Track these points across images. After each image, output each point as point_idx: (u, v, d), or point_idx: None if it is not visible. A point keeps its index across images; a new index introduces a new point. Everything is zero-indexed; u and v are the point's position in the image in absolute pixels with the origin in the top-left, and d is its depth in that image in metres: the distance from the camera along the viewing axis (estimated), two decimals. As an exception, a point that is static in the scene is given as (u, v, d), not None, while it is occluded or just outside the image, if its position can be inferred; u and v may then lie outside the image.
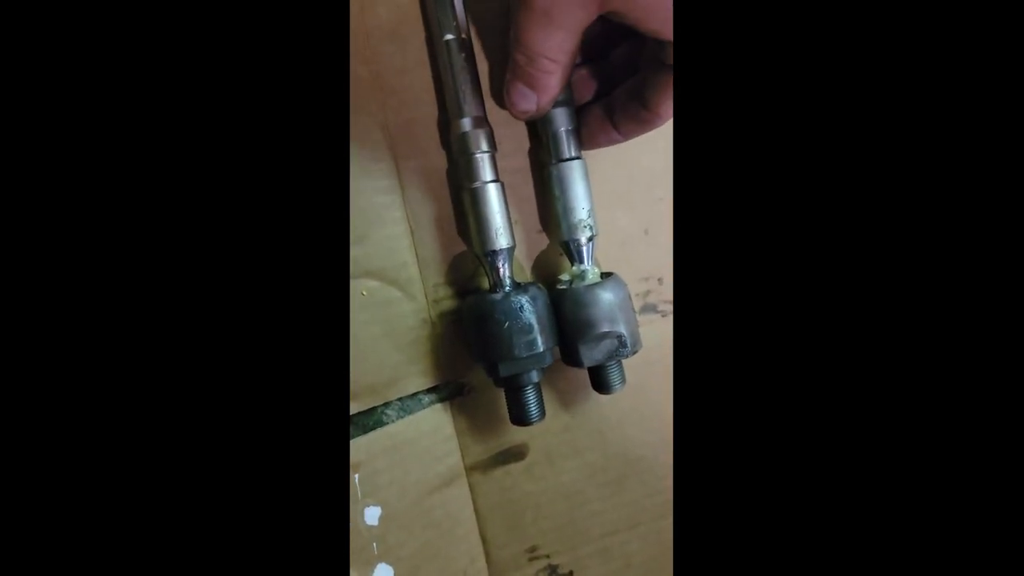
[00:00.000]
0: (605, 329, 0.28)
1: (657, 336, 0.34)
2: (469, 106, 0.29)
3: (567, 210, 0.30)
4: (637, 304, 0.34)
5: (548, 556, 0.34)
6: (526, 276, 0.33)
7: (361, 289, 0.30)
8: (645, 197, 0.33)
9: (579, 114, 0.30)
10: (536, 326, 0.28)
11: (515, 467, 0.34)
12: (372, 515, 0.31)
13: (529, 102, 0.27)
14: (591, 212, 0.30)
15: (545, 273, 0.33)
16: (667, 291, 0.34)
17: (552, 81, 0.27)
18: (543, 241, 0.33)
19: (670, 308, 0.34)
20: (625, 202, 0.33)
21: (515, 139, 0.32)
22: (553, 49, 0.25)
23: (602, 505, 0.34)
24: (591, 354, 0.29)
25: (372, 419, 0.31)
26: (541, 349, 0.28)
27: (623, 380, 0.30)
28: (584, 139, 0.30)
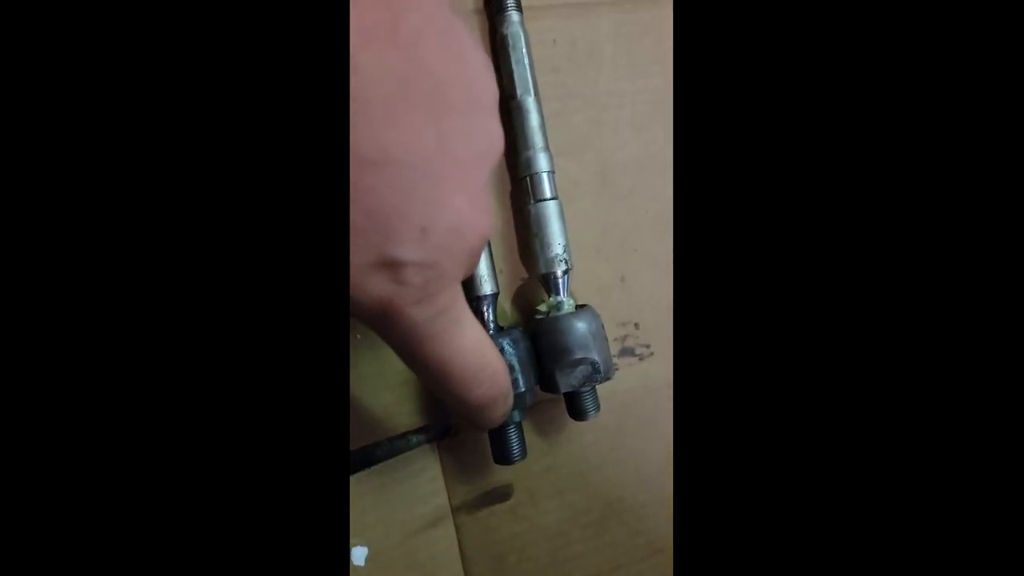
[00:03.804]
0: (579, 356, 0.30)
1: (634, 379, 0.36)
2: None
3: (544, 246, 0.32)
4: (615, 348, 0.36)
5: (532, 600, 0.34)
6: (509, 320, 0.35)
7: (355, 332, 0.32)
8: (620, 248, 0.36)
9: None
10: (517, 367, 0.30)
11: (500, 508, 0.35)
12: (359, 555, 0.32)
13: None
14: (566, 247, 0.32)
15: (524, 305, 0.35)
16: (644, 335, 0.36)
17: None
18: (525, 288, 0.35)
19: (647, 352, 0.36)
20: (602, 254, 0.36)
21: (499, 198, 0.34)
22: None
23: (584, 547, 0.35)
24: (567, 380, 0.31)
25: (361, 457, 0.32)
26: (522, 389, 0.30)
27: (597, 407, 0.32)
28: None
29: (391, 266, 0.19)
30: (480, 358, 0.23)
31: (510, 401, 0.27)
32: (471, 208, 0.20)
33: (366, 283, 0.19)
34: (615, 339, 0.36)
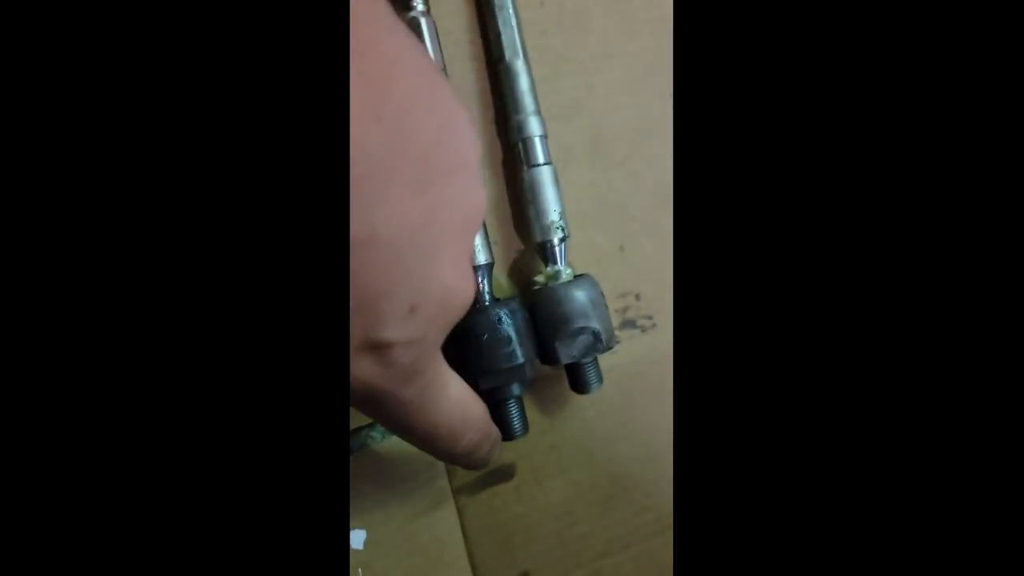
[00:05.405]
0: (579, 325, 0.29)
1: (638, 352, 0.35)
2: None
3: (539, 213, 0.31)
4: (616, 320, 0.35)
5: (539, 581, 0.33)
6: (505, 293, 0.33)
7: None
8: (619, 217, 0.35)
9: None
10: (515, 338, 0.29)
11: (503, 488, 0.33)
12: (357, 539, 0.30)
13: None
14: (562, 214, 0.31)
15: (521, 277, 0.34)
16: (645, 306, 0.35)
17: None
18: (520, 260, 0.34)
19: (649, 323, 0.35)
20: (599, 223, 0.35)
21: (491, 166, 0.33)
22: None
23: (591, 526, 0.34)
24: (568, 351, 0.29)
25: (357, 441, 0.31)
26: (520, 360, 0.29)
27: (600, 379, 0.31)
28: None
29: (378, 348, 0.18)
30: (464, 410, 0.24)
31: (497, 438, 0.27)
32: (458, 277, 0.20)
33: (351, 367, 0.18)
34: (616, 310, 0.35)
